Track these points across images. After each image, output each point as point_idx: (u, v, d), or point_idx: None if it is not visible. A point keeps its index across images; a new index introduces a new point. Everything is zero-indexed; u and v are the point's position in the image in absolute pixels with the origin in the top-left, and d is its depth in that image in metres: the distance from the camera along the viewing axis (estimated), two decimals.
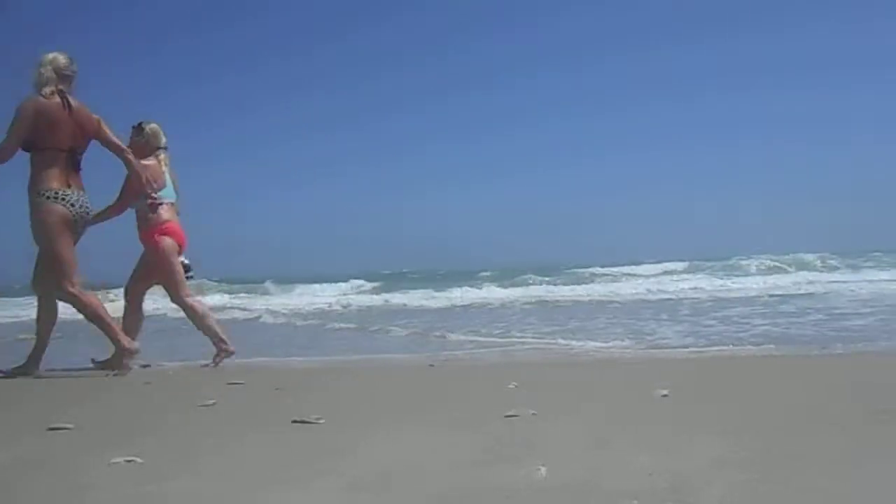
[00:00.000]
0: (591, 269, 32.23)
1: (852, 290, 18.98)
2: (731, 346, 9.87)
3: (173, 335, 13.52)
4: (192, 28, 47.96)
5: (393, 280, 30.42)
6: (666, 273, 30.51)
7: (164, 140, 9.00)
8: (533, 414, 4.94)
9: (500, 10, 48.31)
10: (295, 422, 4.97)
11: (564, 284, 26.79)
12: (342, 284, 30.01)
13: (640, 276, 29.63)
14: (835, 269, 28.16)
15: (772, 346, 9.56)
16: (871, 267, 28.44)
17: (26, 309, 15.65)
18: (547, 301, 21.61)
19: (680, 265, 31.90)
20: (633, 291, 22.66)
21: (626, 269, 31.59)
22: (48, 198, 7.70)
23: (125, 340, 8.16)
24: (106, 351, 8.40)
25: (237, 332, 10.87)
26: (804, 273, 26.49)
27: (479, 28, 48.17)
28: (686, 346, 10.12)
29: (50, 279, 8.01)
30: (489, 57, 49.80)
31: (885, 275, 24.14)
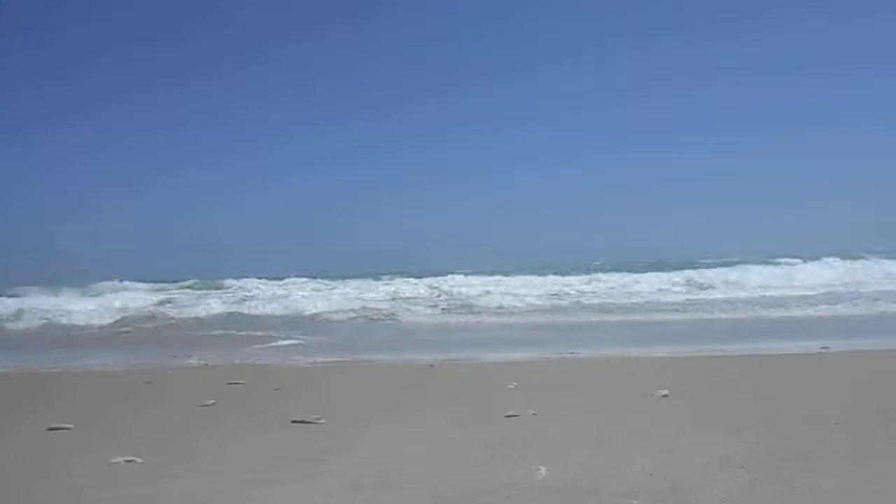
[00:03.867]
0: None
1: None
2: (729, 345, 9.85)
3: (173, 337, 13.54)
4: (192, 26, 47.63)
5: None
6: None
7: None
8: (533, 414, 4.94)
9: (499, 8, 47.99)
10: (295, 422, 4.97)
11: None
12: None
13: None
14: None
15: (772, 345, 9.55)
16: None
17: None
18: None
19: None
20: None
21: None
22: None
23: None
24: (110, 354, 8.43)
25: None
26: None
27: (480, 26, 47.84)
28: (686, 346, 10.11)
29: None
30: (489, 54, 49.43)
31: None
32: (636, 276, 22.32)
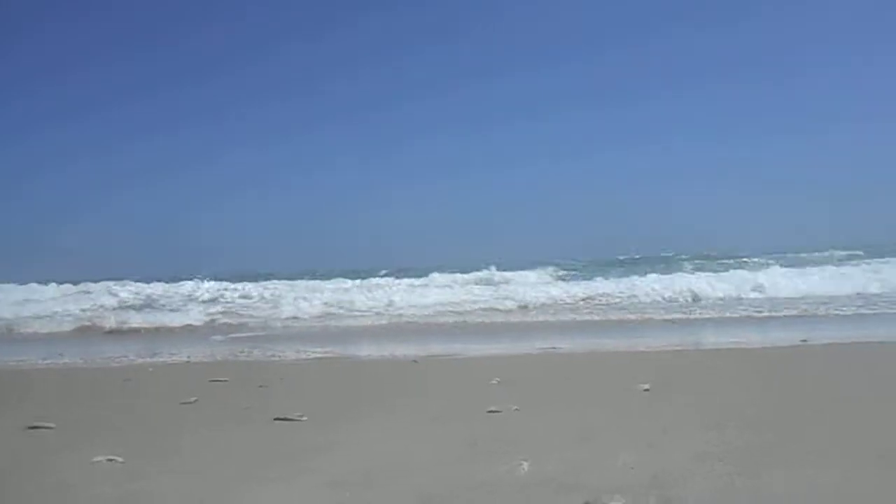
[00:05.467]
0: None
1: None
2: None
3: (159, 333, 13.46)
4: (192, 26, 46.80)
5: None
6: None
7: None
8: (515, 409, 4.96)
9: (499, 7, 47.51)
10: (277, 419, 4.95)
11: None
12: None
13: None
14: None
15: (752, 338, 9.66)
16: None
17: None
18: None
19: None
20: None
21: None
22: None
23: None
24: (90, 350, 8.36)
25: None
26: None
27: (480, 26, 47.44)
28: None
29: None
30: (489, 54, 48.94)
31: None
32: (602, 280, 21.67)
